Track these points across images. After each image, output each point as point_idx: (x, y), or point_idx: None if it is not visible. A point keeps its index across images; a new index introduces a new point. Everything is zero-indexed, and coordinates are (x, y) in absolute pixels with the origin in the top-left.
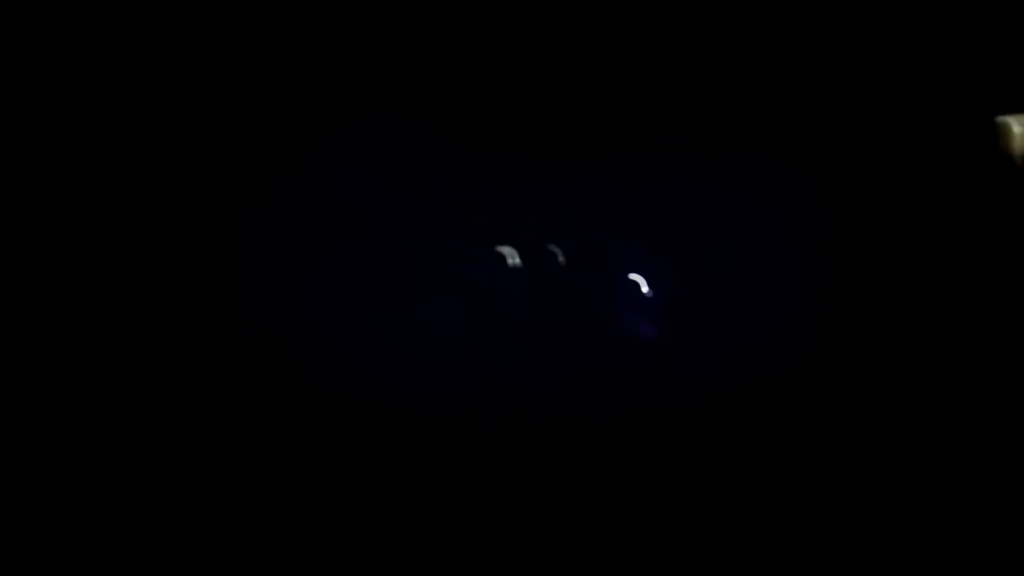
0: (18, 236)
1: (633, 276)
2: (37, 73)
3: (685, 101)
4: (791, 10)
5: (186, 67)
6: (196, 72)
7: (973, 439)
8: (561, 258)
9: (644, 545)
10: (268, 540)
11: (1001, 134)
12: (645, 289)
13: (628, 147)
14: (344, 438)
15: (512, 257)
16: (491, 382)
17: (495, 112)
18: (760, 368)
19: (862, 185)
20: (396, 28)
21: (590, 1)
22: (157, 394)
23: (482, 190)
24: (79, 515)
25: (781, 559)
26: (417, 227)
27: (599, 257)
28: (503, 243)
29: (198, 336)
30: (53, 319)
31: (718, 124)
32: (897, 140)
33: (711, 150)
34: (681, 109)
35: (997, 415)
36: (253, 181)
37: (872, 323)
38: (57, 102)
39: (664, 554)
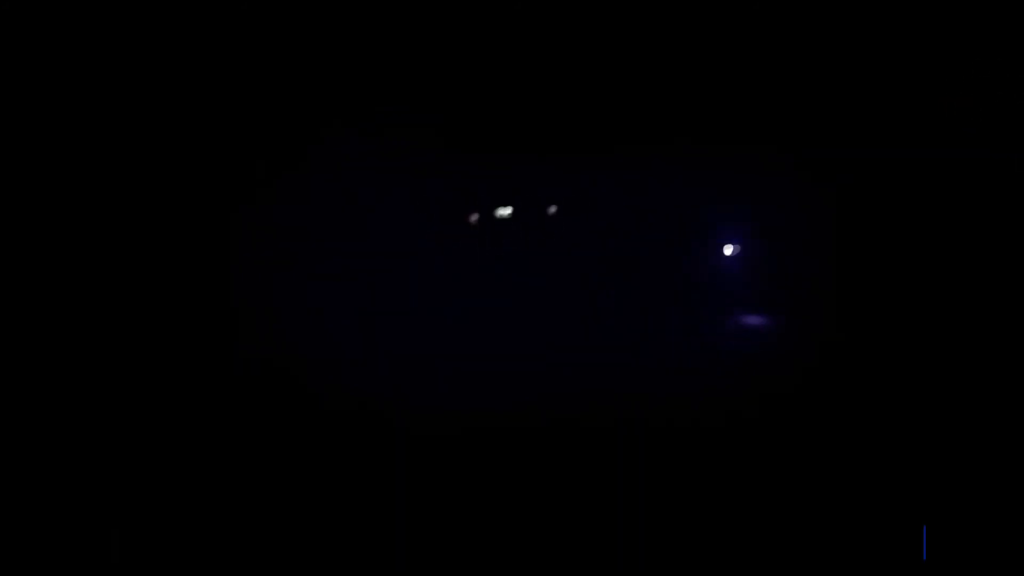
0: (19, 237)
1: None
2: (38, 73)
3: (685, 102)
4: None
5: (188, 70)
6: (197, 74)
7: (972, 438)
8: (560, 257)
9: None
10: (268, 538)
11: None
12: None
13: (629, 148)
14: (344, 436)
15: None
16: (492, 379)
17: (495, 112)
18: (759, 366)
19: (861, 185)
20: (396, 29)
21: (590, 3)
22: (158, 390)
23: (482, 190)
24: (79, 514)
25: (781, 558)
26: (417, 227)
27: (598, 255)
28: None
29: (199, 335)
30: (55, 318)
31: (718, 126)
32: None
33: (712, 152)
34: (681, 110)
35: (995, 414)
36: (254, 182)
37: (871, 323)
38: (59, 103)
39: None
